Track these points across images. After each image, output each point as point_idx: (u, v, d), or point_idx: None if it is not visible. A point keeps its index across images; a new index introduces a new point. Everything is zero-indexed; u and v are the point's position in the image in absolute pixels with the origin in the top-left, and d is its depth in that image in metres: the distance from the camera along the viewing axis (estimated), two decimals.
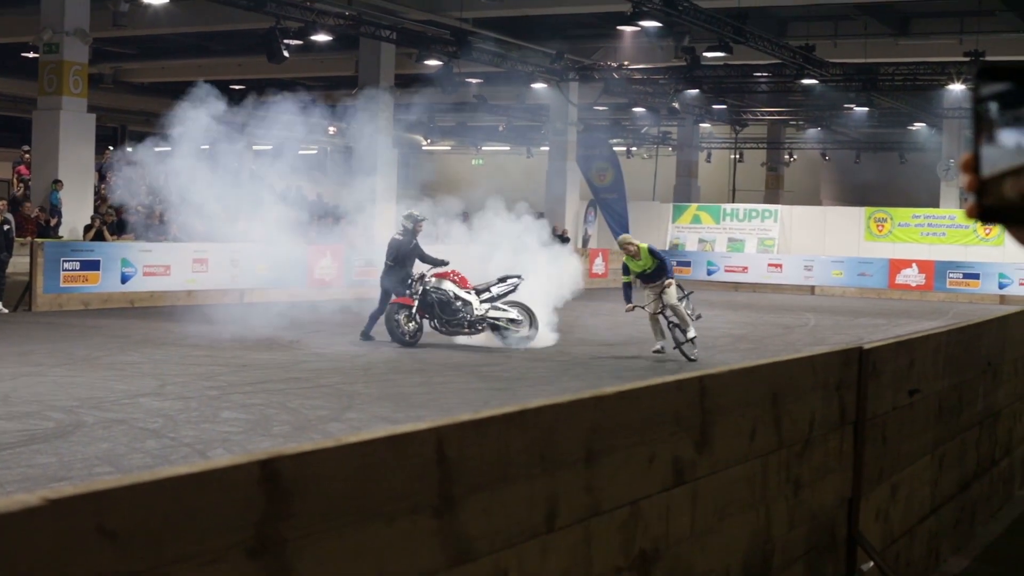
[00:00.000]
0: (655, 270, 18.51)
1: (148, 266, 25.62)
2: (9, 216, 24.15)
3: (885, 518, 5.96)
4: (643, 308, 18.75)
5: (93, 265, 24.75)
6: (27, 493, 1.93)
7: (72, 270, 24.33)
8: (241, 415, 12.26)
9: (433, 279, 19.35)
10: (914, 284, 39.80)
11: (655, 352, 18.46)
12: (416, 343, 19.03)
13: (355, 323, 20.36)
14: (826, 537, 5.27)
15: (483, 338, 19.57)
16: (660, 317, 18.62)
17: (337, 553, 2.42)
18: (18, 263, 24.14)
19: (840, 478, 5.38)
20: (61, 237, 26.42)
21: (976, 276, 38.94)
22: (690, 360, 17.99)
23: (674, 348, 18.36)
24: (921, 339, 6.61)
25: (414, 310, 19.08)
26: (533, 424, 3.09)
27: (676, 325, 18.41)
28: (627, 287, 18.99)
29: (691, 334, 18.28)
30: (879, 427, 5.78)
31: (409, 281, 19.25)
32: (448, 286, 19.32)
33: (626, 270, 18.83)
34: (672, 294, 18.36)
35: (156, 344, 18.34)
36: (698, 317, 19.10)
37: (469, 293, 19.45)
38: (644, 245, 18.72)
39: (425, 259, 19.50)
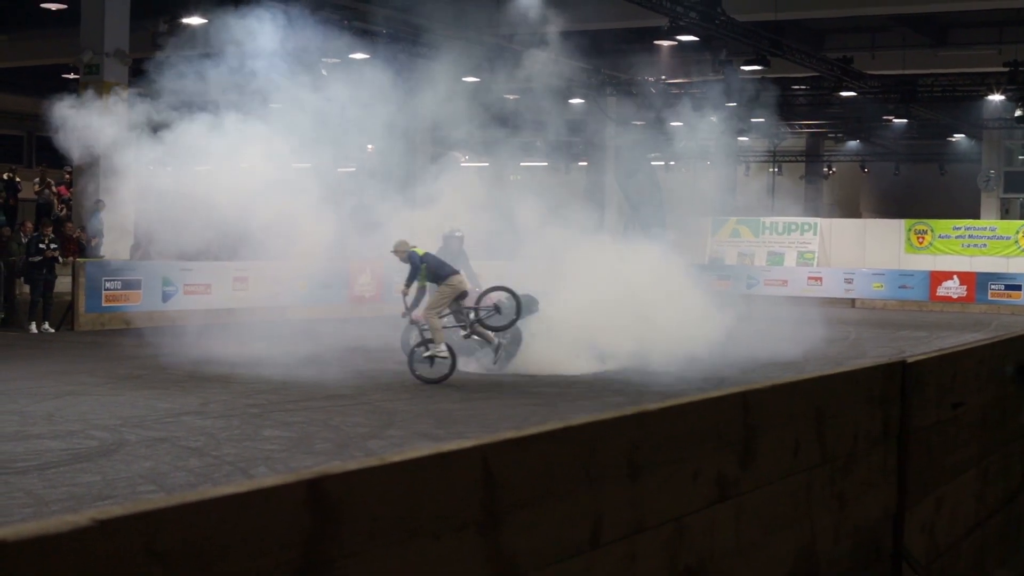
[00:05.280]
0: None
1: (189, 285, 25.72)
2: (52, 236, 24.36)
3: (930, 532, 5.91)
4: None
5: (134, 284, 24.89)
6: (74, 513, 1.93)
7: (113, 289, 24.48)
8: (283, 433, 12.30)
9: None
10: (955, 296, 39.50)
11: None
12: None
13: (393, 339, 19.90)
14: (871, 552, 5.23)
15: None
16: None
17: (383, 572, 2.42)
18: (60, 283, 24.33)
19: (884, 492, 5.35)
20: (102, 257, 26.58)
21: (1018, 287, 38.62)
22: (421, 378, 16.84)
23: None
24: (964, 352, 6.55)
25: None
26: (577, 441, 3.09)
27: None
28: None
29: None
30: (923, 441, 5.73)
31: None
32: None
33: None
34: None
35: (197, 363, 18.40)
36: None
37: None
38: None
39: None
